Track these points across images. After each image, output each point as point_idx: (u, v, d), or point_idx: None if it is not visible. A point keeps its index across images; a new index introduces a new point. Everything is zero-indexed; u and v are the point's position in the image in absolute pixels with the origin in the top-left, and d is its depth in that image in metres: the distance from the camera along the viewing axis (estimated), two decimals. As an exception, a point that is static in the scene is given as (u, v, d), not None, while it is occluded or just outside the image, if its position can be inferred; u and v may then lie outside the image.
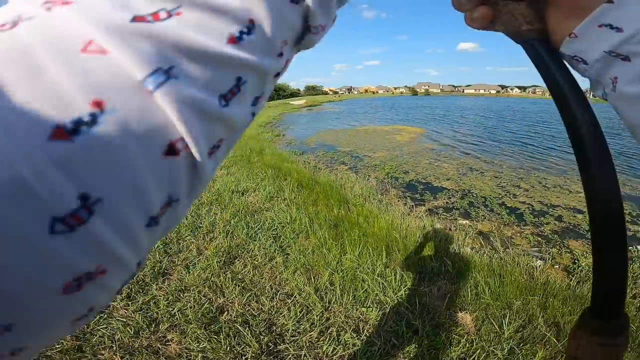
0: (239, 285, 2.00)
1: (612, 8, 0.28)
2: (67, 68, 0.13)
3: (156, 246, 2.44)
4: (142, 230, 0.15)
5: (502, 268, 2.23)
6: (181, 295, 1.91)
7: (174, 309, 1.78)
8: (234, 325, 1.68)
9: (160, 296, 1.89)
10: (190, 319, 1.70)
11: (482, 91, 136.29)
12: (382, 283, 2.01)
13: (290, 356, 1.53)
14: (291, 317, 1.74)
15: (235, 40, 0.16)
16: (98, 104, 0.13)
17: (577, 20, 0.30)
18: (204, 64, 0.15)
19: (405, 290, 1.95)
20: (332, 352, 1.56)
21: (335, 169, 5.46)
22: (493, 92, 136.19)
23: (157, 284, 2.01)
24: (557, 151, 7.77)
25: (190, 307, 1.79)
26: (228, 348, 1.55)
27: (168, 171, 0.15)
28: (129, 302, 1.83)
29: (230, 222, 2.89)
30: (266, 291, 1.96)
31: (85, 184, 0.12)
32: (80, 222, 0.12)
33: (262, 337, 1.62)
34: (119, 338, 1.58)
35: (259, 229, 2.79)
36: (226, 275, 2.10)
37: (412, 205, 3.95)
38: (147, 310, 1.79)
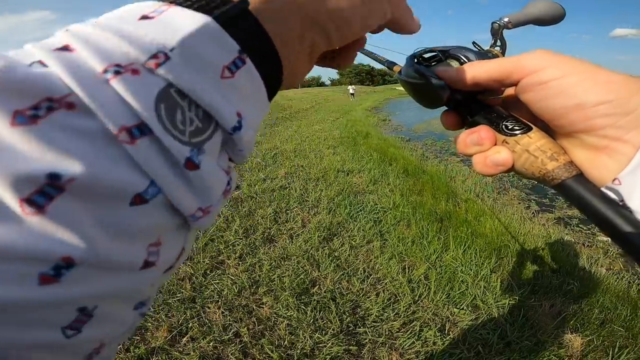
0: (334, 263, 2.07)
1: None
2: None
3: (268, 213, 2.69)
4: None
5: (644, 297, 1.83)
6: (282, 262, 2.08)
7: (274, 274, 1.95)
8: (322, 300, 1.76)
9: (264, 260, 2.09)
10: (285, 286, 1.85)
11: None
12: (484, 287, 1.84)
13: (367, 341, 1.54)
14: (377, 303, 1.74)
15: (50, 279, 0.12)
16: None
17: (608, 156, 0.23)
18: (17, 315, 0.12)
19: (509, 300, 1.75)
20: (409, 345, 1.51)
21: (444, 160, 5.08)
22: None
23: (264, 249, 2.22)
24: None
25: (288, 276, 1.93)
26: (312, 320, 1.63)
27: None
28: (240, 262, 2.08)
29: (333, 200, 3.00)
30: (359, 273, 1.99)
31: None
32: None
33: (345, 316, 1.66)
34: (225, 294, 1.80)
35: (360, 210, 2.82)
36: (324, 250, 2.20)
37: (537, 211, 3.45)
38: (252, 272, 2.00)
